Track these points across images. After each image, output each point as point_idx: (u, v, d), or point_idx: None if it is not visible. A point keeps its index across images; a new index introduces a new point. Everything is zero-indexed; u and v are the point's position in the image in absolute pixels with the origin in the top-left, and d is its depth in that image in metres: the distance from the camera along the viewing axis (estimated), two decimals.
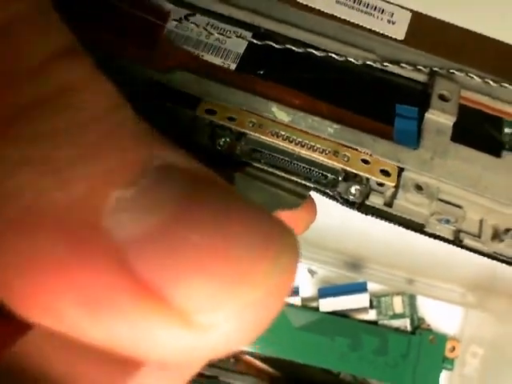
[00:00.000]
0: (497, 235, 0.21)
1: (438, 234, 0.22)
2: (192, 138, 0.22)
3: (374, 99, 0.24)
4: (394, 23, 0.26)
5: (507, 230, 0.21)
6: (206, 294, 0.11)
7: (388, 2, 0.26)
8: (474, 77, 0.24)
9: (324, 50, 0.25)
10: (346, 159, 0.21)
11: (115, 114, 0.12)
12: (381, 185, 0.22)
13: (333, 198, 0.22)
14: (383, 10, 0.26)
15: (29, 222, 0.11)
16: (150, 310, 0.11)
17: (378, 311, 0.54)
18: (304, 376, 0.54)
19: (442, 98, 0.23)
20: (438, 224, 0.22)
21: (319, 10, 0.26)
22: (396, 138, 0.22)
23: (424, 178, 0.22)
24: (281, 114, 0.22)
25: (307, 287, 0.55)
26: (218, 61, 0.24)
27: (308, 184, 0.22)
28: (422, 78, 0.25)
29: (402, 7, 0.26)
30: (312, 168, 0.21)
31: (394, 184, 0.21)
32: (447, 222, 0.21)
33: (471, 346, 0.52)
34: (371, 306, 0.53)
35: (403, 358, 0.52)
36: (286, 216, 0.20)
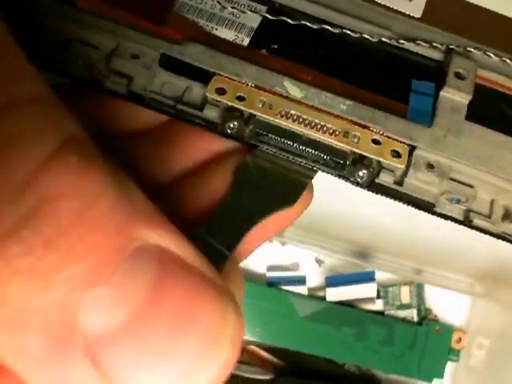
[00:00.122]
0: (507, 215, 0.21)
1: (447, 213, 0.21)
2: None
3: (388, 77, 0.24)
4: (411, 0, 0.25)
5: None
6: None
7: None
8: (492, 55, 0.24)
9: (339, 27, 0.24)
10: (356, 140, 0.21)
11: (96, 207, 0.13)
12: None
13: (341, 177, 0.21)
14: None
15: (16, 323, 0.12)
16: None
17: (385, 301, 0.54)
18: (308, 366, 0.54)
19: (458, 76, 0.23)
20: (449, 204, 0.21)
21: None
22: (409, 116, 0.22)
23: (436, 156, 0.21)
24: (294, 89, 0.22)
25: (314, 276, 0.55)
26: (231, 34, 0.24)
27: (316, 166, 0.21)
28: (438, 55, 0.24)
29: None
30: (319, 152, 0.21)
31: (403, 166, 0.21)
32: (458, 201, 0.21)
33: (477, 338, 0.52)
34: (378, 296, 0.53)
35: (409, 348, 0.52)
36: None
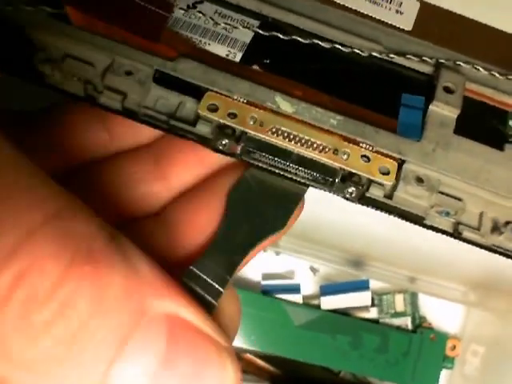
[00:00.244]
0: (496, 228, 0.21)
1: (437, 226, 0.22)
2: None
3: (378, 91, 0.24)
4: (402, 13, 0.25)
5: (507, 223, 0.21)
6: None
7: None
8: (480, 69, 0.24)
9: (330, 41, 0.25)
10: (345, 157, 0.21)
11: (108, 297, 0.15)
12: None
13: (331, 192, 0.22)
14: (391, 0, 0.26)
15: None
16: None
17: (380, 309, 0.54)
18: (304, 374, 0.54)
19: (447, 90, 0.23)
20: (438, 216, 0.22)
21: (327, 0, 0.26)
22: (399, 130, 0.22)
23: (425, 170, 0.22)
24: (285, 104, 0.22)
25: (309, 285, 0.55)
26: (224, 49, 0.24)
27: (306, 182, 0.22)
28: (427, 69, 0.25)
29: None
30: (309, 170, 0.21)
31: (391, 183, 0.21)
32: (447, 214, 0.21)
33: (472, 345, 0.52)
34: (372, 304, 0.53)
35: (404, 356, 0.52)
36: None
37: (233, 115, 0.22)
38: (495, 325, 0.51)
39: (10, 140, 0.15)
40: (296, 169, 0.21)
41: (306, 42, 0.24)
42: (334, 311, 0.53)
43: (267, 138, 0.22)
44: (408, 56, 0.24)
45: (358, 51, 0.24)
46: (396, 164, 0.22)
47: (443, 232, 0.22)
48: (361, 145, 0.22)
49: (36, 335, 0.14)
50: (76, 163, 0.23)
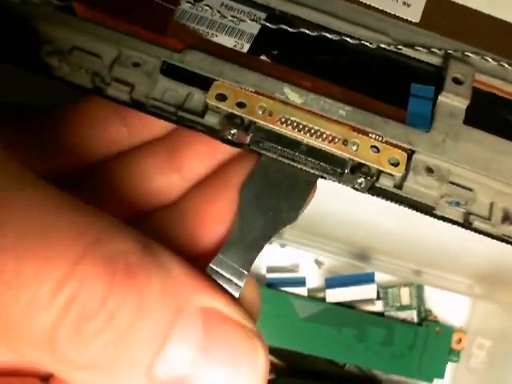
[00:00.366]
0: (507, 218, 0.21)
1: (447, 216, 0.22)
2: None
3: (387, 82, 0.24)
4: (409, 5, 0.25)
5: None
6: None
7: None
8: (489, 60, 0.24)
9: (338, 33, 0.24)
10: (355, 148, 0.21)
11: (148, 301, 0.17)
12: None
13: (340, 182, 0.22)
14: None
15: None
16: None
17: (385, 302, 0.54)
18: (309, 367, 0.54)
19: (456, 81, 0.23)
20: (448, 206, 0.22)
21: None
22: (408, 121, 0.22)
23: (435, 160, 0.22)
24: (293, 95, 0.22)
25: (314, 278, 0.55)
26: (231, 41, 0.24)
27: (316, 173, 0.22)
28: (436, 60, 0.25)
29: None
30: (318, 160, 0.21)
31: (401, 174, 0.21)
32: (457, 204, 0.21)
33: (478, 338, 0.52)
34: (378, 297, 0.53)
35: (409, 349, 0.52)
36: None
37: (241, 105, 0.22)
38: (501, 318, 0.51)
39: (49, 182, 0.17)
40: (305, 159, 0.21)
41: (314, 34, 0.24)
42: (339, 304, 0.53)
43: (276, 127, 0.21)
44: (416, 47, 0.24)
45: (365, 43, 0.24)
46: (406, 155, 0.21)
47: (454, 222, 0.22)
48: (370, 135, 0.22)
49: (88, 342, 0.16)
50: (95, 159, 0.25)
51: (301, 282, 0.54)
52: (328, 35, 0.24)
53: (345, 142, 0.21)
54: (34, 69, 0.22)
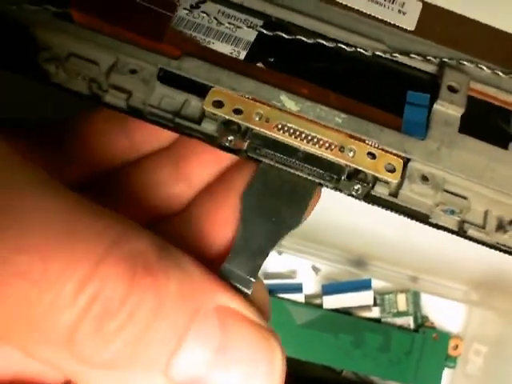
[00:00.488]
0: (501, 226, 0.21)
1: (442, 224, 0.22)
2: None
3: (383, 90, 0.24)
4: (404, 13, 0.26)
5: None
6: None
7: None
8: (484, 68, 0.24)
9: (334, 40, 0.25)
10: (351, 154, 0.21)
11: (166, 302, 0.17)
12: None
13: (337, 190, 0.22)
14: (394, 1, 0.26)
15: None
16: None
17: (382, 309, 0.54)
18: (306, 373, 0.54)
19: (451, 89, 0.23)
20: (443, 215, 0.22)
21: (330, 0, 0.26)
22: (404, 128, 0.22)
23: (430, 168, 0.22)
24: (289, 102, 0.22)
25: (311, 284, 0.55)
26: (228, 48, 0.24)
27: (313, 180, 0.22)
28: (431, 68, 0.25)
29: None
30: (315, 167, 0.21)
31: (397, 181, 0.21)
32: (452, 212, 0.21)
33: (474, 344, 0.52)
34: (375, 304, 0.53)
35: (406, 355, 0.52)
36: None
37: (238, 111, 0.22)
38: (497, 324, 0.51)
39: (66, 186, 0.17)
40: (302, 166, 0.21)
41: (310, 41, 0.24)
42: (336, 310, 0.53)
43: (273, 134, 0.22)
44: (412, 55, 0.24)
45: (361, 50, 0.24)
46: (401, 162, 0.22)
47: (448, 230, 0.22)
48: (367, 142, 0.22)
49: (108, 340, 0.16)
50: (99, 170, 0.25)
51: (298, 289, 0.54)
52: (324, 42, 0.24)
53: (341, 149, 0.21)
54: (31, 75, 0.22)
